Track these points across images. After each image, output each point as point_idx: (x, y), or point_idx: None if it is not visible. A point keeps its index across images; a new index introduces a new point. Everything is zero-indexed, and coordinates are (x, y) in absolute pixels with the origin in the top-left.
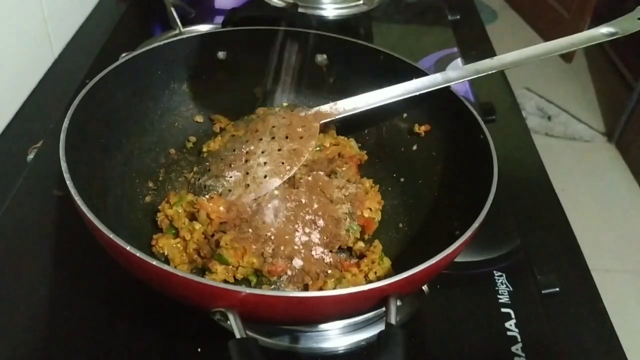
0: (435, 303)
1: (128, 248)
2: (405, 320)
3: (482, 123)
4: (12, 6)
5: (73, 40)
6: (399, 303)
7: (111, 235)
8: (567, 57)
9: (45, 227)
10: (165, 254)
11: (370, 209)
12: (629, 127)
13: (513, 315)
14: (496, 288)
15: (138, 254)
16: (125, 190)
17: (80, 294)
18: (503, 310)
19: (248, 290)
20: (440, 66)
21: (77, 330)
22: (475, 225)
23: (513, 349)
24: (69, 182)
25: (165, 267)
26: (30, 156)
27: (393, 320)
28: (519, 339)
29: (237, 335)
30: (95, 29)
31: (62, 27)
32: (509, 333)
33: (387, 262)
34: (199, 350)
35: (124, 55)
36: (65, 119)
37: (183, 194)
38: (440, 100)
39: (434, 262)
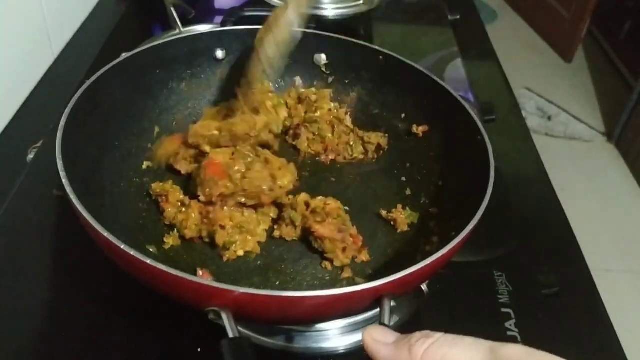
0: (435, 303)
1: (122, 247)
2: (405, 320)
3: (479, 124)
4: (12, 6)
5: (73, 40)
6: (393, 304)
7: (105, 234)
8: (567, 57)
9: (45, 227)
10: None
11: None
12: (629, 127)
13: (513, 315)
14: (496, 288)
15: (132, 252)
16: (123, 190)
17: (80, 294)
18: (503, 310)
19: (242, 290)
20: (440, 66)
21: (77, 330)
22: (470, 227)
23: None
24: (64, 180)
25: (159, 265)
26: (30, 156)
27: (387, 321)
28: (519, 339)
29: (230, 335)
30: (95, 29)
31: (62, 27)
32: (509, 333)
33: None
34: (199, 350)
35: (123, 55)
36: (62, 117)
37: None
38: (439, 101)
39: (428, 262)
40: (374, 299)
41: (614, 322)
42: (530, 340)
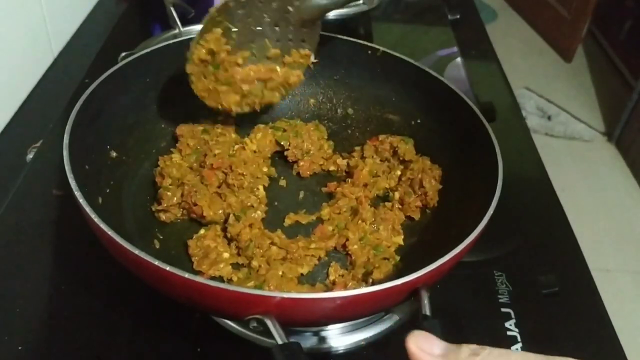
0: (435, 303)
1: (156, 263)
2: (406, 320)
3: (488, 127)
4: (11, 6)
5: (72, 39)
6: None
7: (136, 251)
8: (567, 57)
9: (45, 227)
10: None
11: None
12: (629, 127)
13: (513, 315)
14: (496, 288)
15: (168, 267)
16: (130, 194)
17: (80, 294)
18: (503, 310)
19: (284, 295)
20: (440, 66)
21: (77, 330)
22: (490, 211)
23: (513, 348)
24: (77, 193)
25: (197, 278)
26: (30, 156)
27: (428, 312)
28: (519, 339)
29: (279, 341)
30: (95, 28)
31: (61, 27)
32: (509, 333)
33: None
34: (199, 350)
35: (123, 54)
36: (69, 120)
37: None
38: (448, 105)
39: (458, 250)
40: (411, 292)
41: (614, 322)
42: (530, 340)
